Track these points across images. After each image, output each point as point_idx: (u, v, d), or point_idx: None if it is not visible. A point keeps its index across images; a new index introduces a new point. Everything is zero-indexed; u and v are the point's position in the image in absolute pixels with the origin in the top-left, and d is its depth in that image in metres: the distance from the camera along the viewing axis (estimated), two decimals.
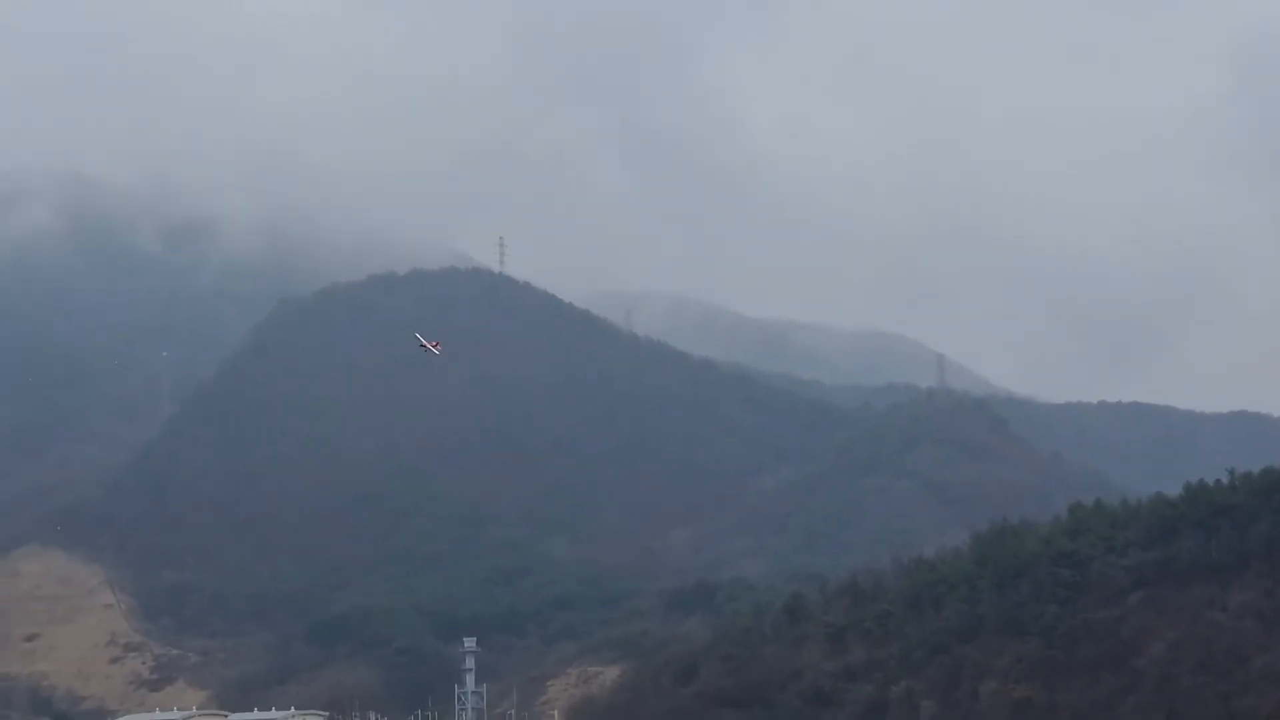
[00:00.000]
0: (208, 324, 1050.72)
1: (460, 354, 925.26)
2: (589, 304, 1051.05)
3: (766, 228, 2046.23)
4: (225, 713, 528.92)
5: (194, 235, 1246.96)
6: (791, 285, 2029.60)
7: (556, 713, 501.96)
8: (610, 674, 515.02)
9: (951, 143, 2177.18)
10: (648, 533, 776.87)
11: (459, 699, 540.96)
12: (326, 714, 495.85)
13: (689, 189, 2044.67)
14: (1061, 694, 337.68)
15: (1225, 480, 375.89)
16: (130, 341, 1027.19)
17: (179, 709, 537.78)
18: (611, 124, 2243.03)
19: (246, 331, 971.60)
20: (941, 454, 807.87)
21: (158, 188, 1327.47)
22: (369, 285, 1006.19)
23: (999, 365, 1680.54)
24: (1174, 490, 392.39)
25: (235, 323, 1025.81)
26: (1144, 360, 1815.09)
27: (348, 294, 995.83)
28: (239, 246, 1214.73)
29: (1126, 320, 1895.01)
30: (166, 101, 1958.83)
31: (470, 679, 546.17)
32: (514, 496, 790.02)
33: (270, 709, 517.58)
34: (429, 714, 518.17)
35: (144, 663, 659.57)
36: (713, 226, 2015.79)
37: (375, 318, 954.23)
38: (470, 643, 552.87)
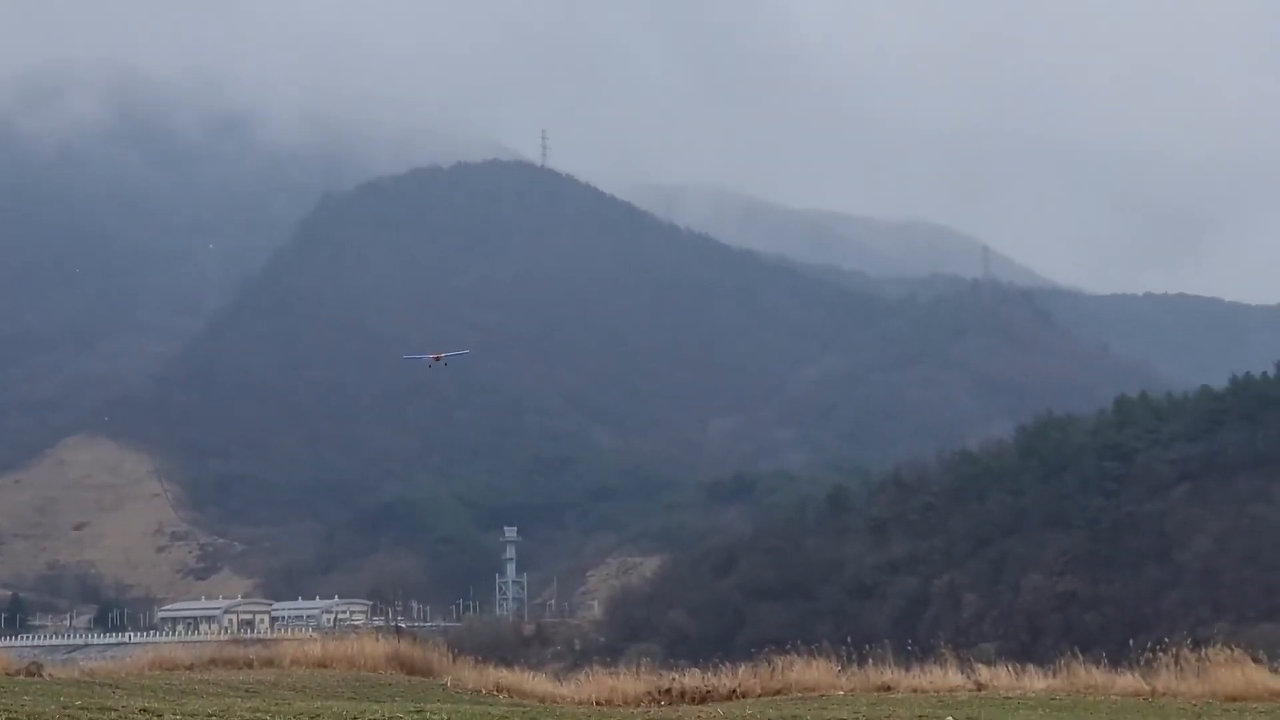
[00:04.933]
0: (255, 215, 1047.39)
1: (504, 246, 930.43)
2: (631, 196, 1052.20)
3: (812, 119, 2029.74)
4: (269, 601, 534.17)
5: (240, 126, 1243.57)
6: (836, 177, 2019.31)
7: (596, 603, 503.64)
8: (650, 565, 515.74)
9: (1004, 36, 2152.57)
10: (690, 423, 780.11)
11: (500, 588, 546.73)
12: (370, 603, 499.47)
13: (735, 79, 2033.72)
14: (1105, 587, 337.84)
15: (1272, 373, 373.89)
16: (178, 233, 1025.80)
17: (224, 598, 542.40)
18: (657, 10, 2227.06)
19: (293, 223, 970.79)
20: (986, 346, 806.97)
21: (204, 78, 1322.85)
22: (413, 178, 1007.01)
23: (1045, 257, 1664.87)
24: (1220, 383, 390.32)
25: (282, 214, 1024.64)
26: (1192, 252, 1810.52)
27: (392, 186, 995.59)
28: (285, 137, 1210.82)
29: (1174, 213, 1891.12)
30: None
31: (511, 568, 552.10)
32: (557, 387, 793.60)
33: (314, 598, 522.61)
34: (470, 603, 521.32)
35: (190, 551, 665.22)
36: (758, 118, 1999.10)
37: (419, 210, 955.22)
38: (511, 532, 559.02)
